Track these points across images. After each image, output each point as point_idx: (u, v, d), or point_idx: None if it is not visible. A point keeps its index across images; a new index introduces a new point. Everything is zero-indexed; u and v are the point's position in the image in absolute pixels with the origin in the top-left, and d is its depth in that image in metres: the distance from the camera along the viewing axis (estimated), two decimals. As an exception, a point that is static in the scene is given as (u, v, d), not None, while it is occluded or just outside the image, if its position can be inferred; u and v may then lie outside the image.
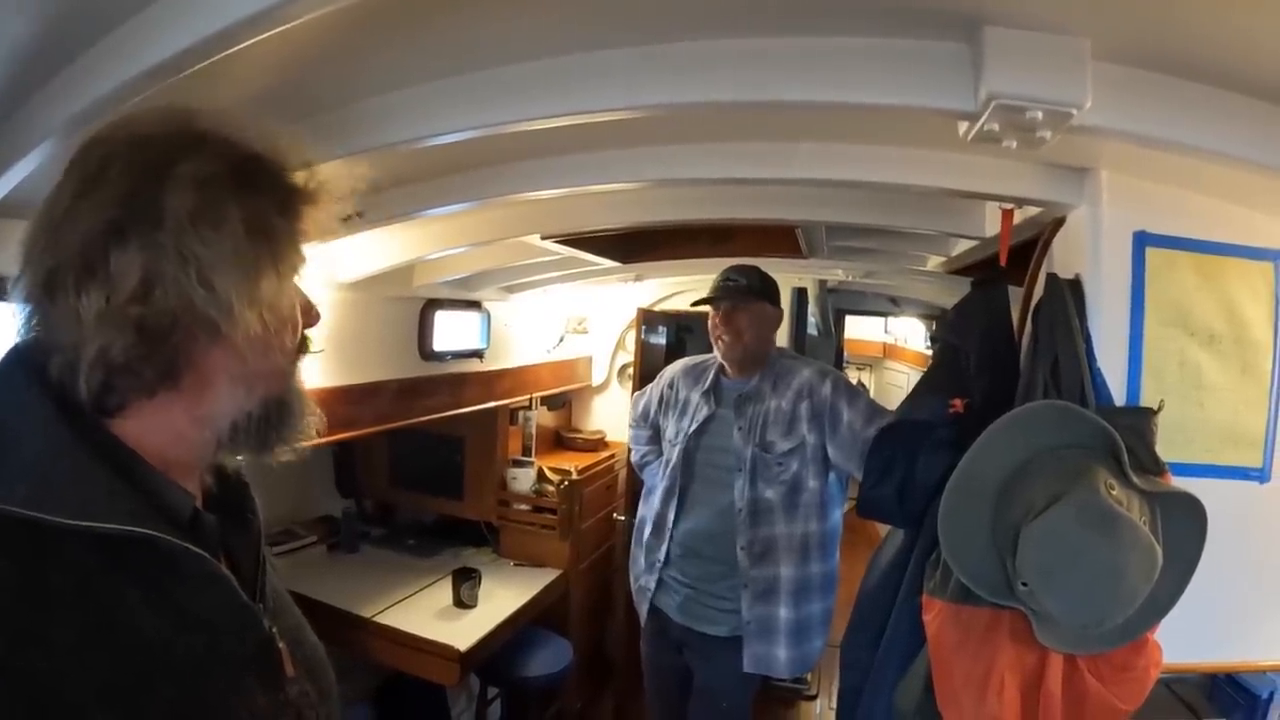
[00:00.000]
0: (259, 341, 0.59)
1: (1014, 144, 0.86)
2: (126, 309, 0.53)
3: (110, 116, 0.64)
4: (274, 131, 0.62)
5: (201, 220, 0.55)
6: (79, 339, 0.54)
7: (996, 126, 0.83)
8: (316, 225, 0.64)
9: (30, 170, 0.88)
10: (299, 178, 0.63)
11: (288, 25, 0.66)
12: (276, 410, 0.64)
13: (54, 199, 0.56)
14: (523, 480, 2.94)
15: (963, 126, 0.87)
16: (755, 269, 1.97)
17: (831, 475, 1.90)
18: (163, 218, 0.54)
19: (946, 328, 1.42)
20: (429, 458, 3.02)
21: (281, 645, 0.64)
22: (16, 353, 0.58)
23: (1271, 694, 1.37)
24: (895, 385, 6.53)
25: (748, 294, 1.91)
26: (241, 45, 0.68)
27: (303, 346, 0.67)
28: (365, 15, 0.74)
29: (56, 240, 0.54)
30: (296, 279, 0.64)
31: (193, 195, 0.55)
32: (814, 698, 3.48)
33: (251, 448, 0.64)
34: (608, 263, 2.40)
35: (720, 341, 1.95)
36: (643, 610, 2.10)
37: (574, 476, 2.94)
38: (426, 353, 2.30)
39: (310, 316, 0.67)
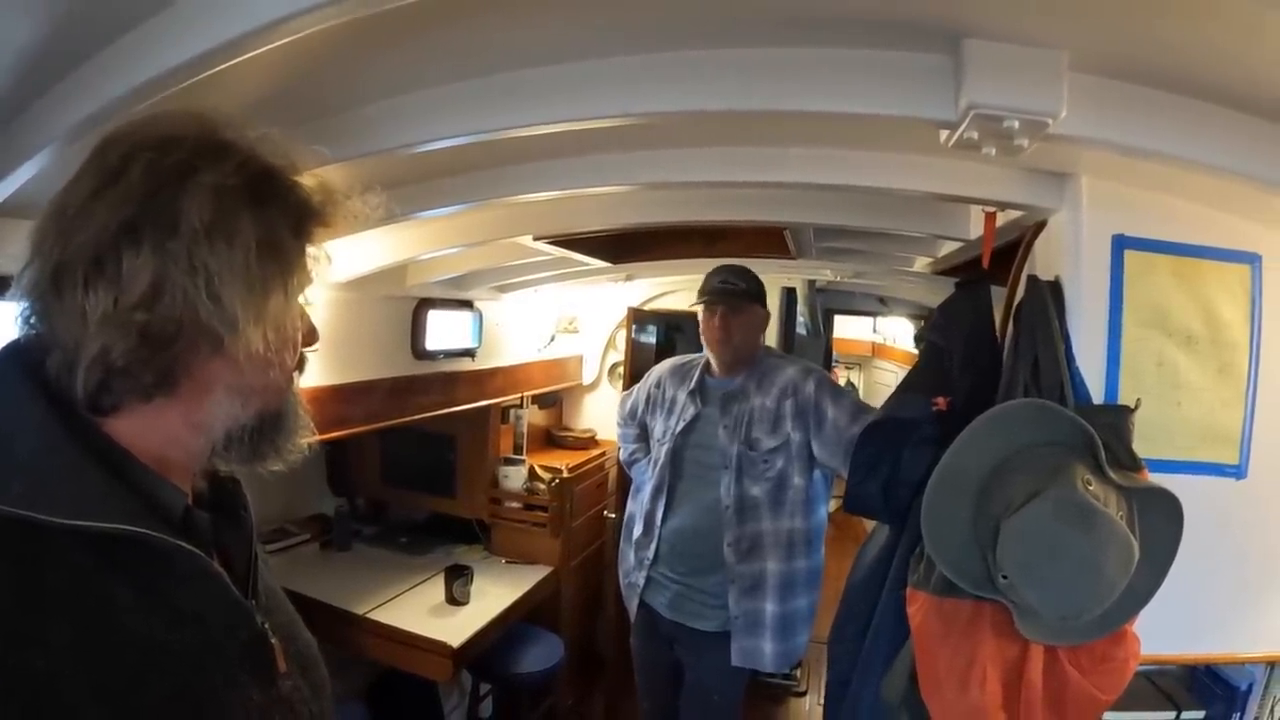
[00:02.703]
0: (259, 358, 0.59)
1: (993, 151, 0.89)
2: (133, 313, 0.53)
3: (128, 116, 0.64)
4: (292, 147, 0.62)
5: (216, 232, 0.55)
6: (81, 337, 0.53)
7: (976, 135, 0.85)
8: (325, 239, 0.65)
9: (35, 172, 0.88)
10: (314, 197, 0.63)
11: (297, 36, 0.67)
12: (271, 424, 0.64)
13: (69, 192, 0.55)
14: (514, 478, 2.96)
15: (944, 134, 0.90)
16: (748, 271, 2.00)
17: (817, 472, 1.93)
18: (178, 224, 0.53)
19: (931, 328, 1.45)
20: (421, 456, 3.03)
21: (275, 641, 0.64)
22: (10, 350, 0.57)
23: (1250, 686, 1.39)
24: (884, 385, 6.53)
25: (744, 298, 1.94)
26: (250, 54, 0.69)
27: (300, 365, 0.68)
28: (368, 22, 0.75)
29: (69, 235, 0.53)
30: (302, 299, 0.65)
31: (210, 205, 0.54)
32: (803, 694, 3.51)
33: (244, 457, 0.64)
34: (599, 263, 2.41)
35: (712, 343, 1.98)
36: (632, 606, 2.13)
37: (565, 474, 2.96)
38: (419, 351, 2.31)
39: (311, 337, 0.67)
